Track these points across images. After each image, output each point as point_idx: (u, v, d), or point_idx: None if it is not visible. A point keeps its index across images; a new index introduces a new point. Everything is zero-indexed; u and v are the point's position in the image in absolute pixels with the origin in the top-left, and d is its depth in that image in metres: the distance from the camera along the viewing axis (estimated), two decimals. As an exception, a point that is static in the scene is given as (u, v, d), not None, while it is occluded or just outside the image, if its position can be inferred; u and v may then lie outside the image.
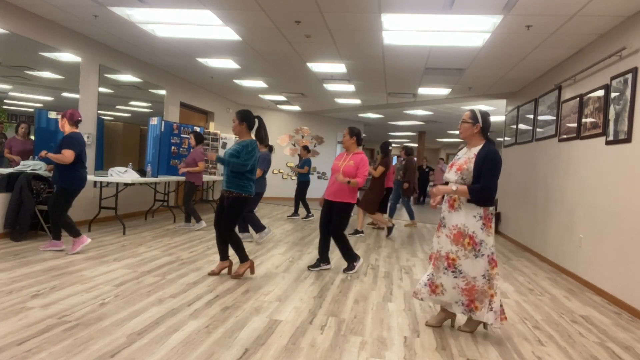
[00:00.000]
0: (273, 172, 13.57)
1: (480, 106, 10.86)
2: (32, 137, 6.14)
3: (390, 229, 7.70)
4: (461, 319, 3.54)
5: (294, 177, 11.65)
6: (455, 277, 3.29)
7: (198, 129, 9.00)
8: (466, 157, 3.36)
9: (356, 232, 7.63)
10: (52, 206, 4.99)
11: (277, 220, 9.11)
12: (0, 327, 2.91)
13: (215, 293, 3.93)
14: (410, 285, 4.61)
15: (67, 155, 4.80)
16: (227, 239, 4.49)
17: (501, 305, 3.27)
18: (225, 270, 4.63)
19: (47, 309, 3.28)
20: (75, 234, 5.00)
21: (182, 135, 8.61)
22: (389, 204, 8.89)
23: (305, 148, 9.86)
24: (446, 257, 3.32)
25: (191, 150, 7.54)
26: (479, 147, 3.34)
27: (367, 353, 2.89)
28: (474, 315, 3.31)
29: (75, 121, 5.00)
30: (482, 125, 3.37)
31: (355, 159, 4.88)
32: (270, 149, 6.71)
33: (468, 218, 3.27)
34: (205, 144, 8.98)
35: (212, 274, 4.54)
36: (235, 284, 4.24)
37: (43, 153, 5.04)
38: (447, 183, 3.47)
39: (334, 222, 4.92)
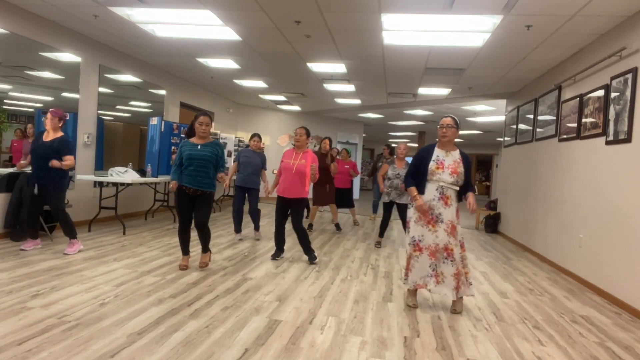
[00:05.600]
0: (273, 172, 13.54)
1: (481, 106, 10.86)
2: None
3: (337, 225, 8.20)
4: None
5: None
6: (453, 265, 3.76)
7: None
8: (452, 160, 3.82)
9: (337, 226, 8.16)
10: (58, 203, 5.02)
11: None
12: (0, 327, 2.92)
13: (215, 293, 3.93)
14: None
15: (73, 160, 5.03)
16: (205, 231, 4.71)
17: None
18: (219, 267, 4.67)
19: (47, 309, 3.28)
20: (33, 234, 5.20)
21: (182, 135, 8.60)
22: (372, 201, 10.34)
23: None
24: (445, 249, 3.78)
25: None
26: (457, 150, 3.88)
27: (367, 353, 2.89)
28: (458, 295, 3.79)
29: (64, 122, 5.13)
30: (458, 129, 3.88)
31: (307, 157, 5.26)
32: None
33: (455, 213, 3.82)
34: None
35: (185, 268, 4.67)
36: (235, 284, 4.25)
37: (57, 164, 4.93)
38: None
39: (298, 218, 5.30)
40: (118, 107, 7.97)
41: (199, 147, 4.56)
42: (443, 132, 3.82)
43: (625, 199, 4.39)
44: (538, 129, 7.07)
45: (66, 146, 4.95)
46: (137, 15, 5.63)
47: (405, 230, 6.57)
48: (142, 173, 7.29)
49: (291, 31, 5.83)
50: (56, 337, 2.81)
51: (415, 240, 3.85)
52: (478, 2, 4.50)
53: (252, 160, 6.51)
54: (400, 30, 5.60)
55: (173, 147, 8.41)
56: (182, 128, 8.64)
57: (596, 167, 5.02)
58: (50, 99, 6.36)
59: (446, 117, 3.87)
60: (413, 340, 3.17)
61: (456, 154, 3.85)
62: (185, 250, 4.77)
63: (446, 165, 3.79)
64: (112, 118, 7.68)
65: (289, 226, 5.99)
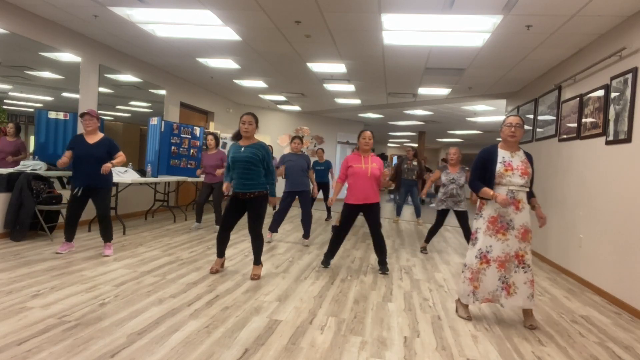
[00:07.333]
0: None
1: (481, 106, 10.86)
2: (23, 138, 6.05)
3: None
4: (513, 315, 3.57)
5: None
6: (525, 272, 3.54)
7: (198, 129, 9.01)
8: (520, 161, 3.59)
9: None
10: (107, 207, 5.06)
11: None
12: (0, 327, 2.92)
13: (215, 293, 3.93)
14: (411, 285, 4.61)
15: (124, 156, 5.02)
16: (258, 240, 4.54)
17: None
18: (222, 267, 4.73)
19: (47, 309, 3.28)
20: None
21: (182, 135, 8.60)
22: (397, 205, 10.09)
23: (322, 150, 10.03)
24: (516, 256, 3.54)
25: (203, 152, 7.65)
26: (522, 150, 3.64)
27: (367, 353, 2.89)
28: (532, 303, 3.57)
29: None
30: None
31: (377, 160, 5.05)
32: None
33: (528, 216, 3.57)
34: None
35: (215, 272, 4.58)
36: (235, 284, 4.25)
37: (108, 167, 4.79)
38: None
39: (378, 223, 5.06)
40: (118, 107, 7.97)
41: (242, 149, 4.42)
42: (512, 132, 3.53)
43: (625, 198, 4.39)
44: (538, 129, 7.07)
45: (116, 145, 5.02)
46: (137, 15, 5.63)
47: (468, 240, 6.20)
48: (142, 173, 7.29)
49: (291, 31, 5.83)
50: (56, 337, 2.81)
51: (482, 252, 3.56)
52: (478, 2, 4.50)
53: (298, 162, 6.45)
54: (400, 30, 5.60)
55: (173, 147, 8.41)
56: (182, 128, 8.64)
57: (596, 167, 5.02)
58: (50, 99, 6.36)
59: (514, 115, 3.60)
60: (413, 340, 3.17)
61: (521, 154, 3.61)
62: (221, 252, 4.62)
63: (514, 166, 3.54)
64: (112, 118, 7.68)
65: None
